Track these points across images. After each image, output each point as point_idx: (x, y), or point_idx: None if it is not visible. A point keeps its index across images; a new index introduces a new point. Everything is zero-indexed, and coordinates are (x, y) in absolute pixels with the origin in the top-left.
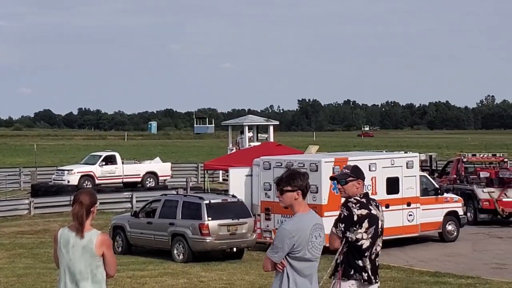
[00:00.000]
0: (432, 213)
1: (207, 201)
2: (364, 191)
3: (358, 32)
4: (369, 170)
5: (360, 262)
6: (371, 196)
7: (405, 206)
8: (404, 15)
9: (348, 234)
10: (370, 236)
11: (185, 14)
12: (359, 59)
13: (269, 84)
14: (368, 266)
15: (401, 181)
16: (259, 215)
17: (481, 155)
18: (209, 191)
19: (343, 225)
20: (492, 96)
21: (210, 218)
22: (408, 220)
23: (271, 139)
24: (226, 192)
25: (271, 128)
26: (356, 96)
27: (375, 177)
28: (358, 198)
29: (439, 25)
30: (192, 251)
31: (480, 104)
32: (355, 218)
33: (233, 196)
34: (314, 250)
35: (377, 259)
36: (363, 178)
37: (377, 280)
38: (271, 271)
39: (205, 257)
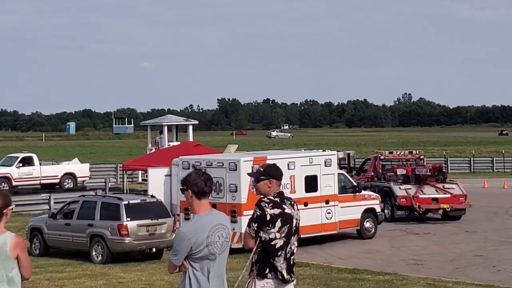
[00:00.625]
0: (350, 211)
1: (126, 202)
2: (279, 190)
3: (277, 31)
4: (288, 168)
5: (274, 261)
6: (287, 195)
7: (323, 204)
8: (321, 14)
9: (261, 233)
10: (283, 235)
11: (103, 14)
12: (278, 58)
13: (188, 84)
14: (283, 265)
15: (320, 179)
16: (178, 215)
17: (398, 153)
18: (128, 192)
19: (256, 224)
20: (409, 94)
21: (129, 219)
22: (327, 218)
23: (190, 139)
24: (145, 192)
25: (191, 127)
26: (275, 95)
27: (293, 176)
28: (272, 198)
29: (357, 23)
30: (111, 252)
31: (397, 102)
32: (268, 217)
33: (152, 196)
34: (217, 250)
35: (292, 257)
36: (276, 177)
37: (292, 278)
38: (176, 273)
39: (124, 258)
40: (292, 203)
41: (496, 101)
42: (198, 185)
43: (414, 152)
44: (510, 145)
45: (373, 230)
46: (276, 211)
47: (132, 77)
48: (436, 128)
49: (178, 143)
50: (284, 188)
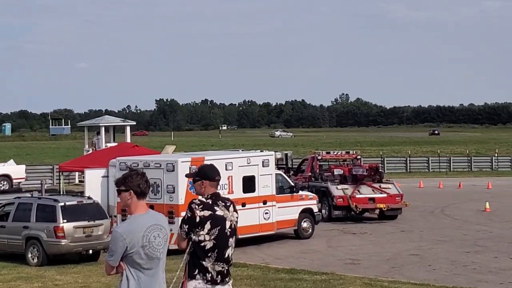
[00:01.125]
0: (287, 211)
1: (62, 203)
2: (214, 191)
3: (215, 31)
4: (226, 169)
5: (203, 263)
6: (225, 195)
7: (261, 205)
8: (259, 14)
9: (191, 235)
10: (213, 237)
11: (38, 14)
12: (216, 58)
13: (126, 84)
14: (213, 267)
15: (257, 179)
16: (115, 216)
17: (335, 153)
18: (65, 193)
19: (187, 226)
20: (347, 94)
21: (65, 221)
22: (264, 218)
23: (128, 140)
24: (82, 194)
25: (128, 128)
26: (213, 95)
27: (231, 176)
28: (203, 199)
29: (294, 23)
30: (47, 255)
31: (334, 103)
32: (197, 219)
33: (89, 197)
34: (153, 250)
35: (230, 259)
36: (208, 178)
37: (226, 280)
38: (114, 274)
39: (60, 260)
40: (228, 204)
41: (432, 101)
42: (140, 185)
43: (351, 152)
44: (445, 145)
45: (310, 230)
46: (206, 213)
47: (68, 77)
48: (373, 128)
49: (116, 144)
50: (222, 189)
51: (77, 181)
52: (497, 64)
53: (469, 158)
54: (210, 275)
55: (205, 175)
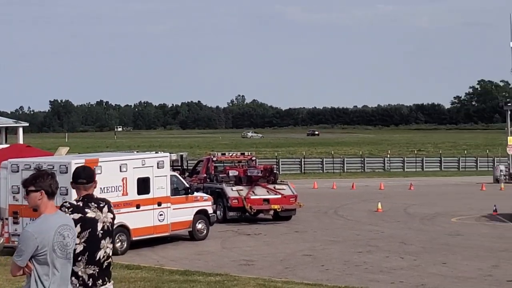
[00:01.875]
0: (182, 212)
1: None
2: (86, 193)
3: (111, 31)
4: (120, 170)
5: (74, 268)
6: (100, 196)
7: (156, 206)
8: (155, 15)
9: None
10: (83, 240)
11: None
12: (111, 59)
13: (19, 85)
14: (84, 270)
15: (152, 181)
16: (7, 219)
17: (230, 154)
18: None
19: None
20: (243, 96)
21: None
22: (159, 220)
23: (21, 141)
24: None
25: (21, 129)
26: (108, 96)
27: (126, 178)
28: (73, 202)
29: (191, 25)
30: None
31: (231, 104)
32: None
33: None
34: (62, 251)
35: (107, 261)
36: (75, 182)
37: (105, 283)
38: (21, 275)
39: None
40: (102, 205)
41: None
42: (51, 185)
43: (246, 153)
44: (339, 146)
45: (205, 232)
46: (76, 216)
47: None
48: (269, 130)
49: (8, 145)
50: (116, 191)
51: None
52: (390, 67)
53: (362, 159)
54: (81, 279)
55: (76, 177)
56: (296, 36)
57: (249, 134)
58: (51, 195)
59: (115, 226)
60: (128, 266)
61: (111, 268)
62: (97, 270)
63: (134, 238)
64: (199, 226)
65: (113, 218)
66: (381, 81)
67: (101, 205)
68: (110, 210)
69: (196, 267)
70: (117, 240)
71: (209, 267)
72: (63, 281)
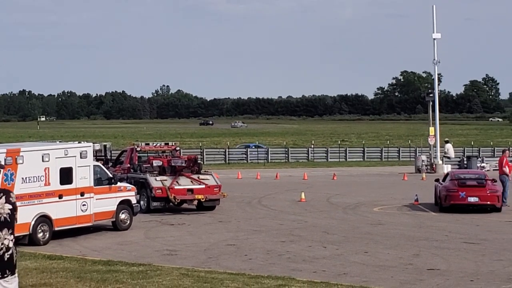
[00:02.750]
0: (105, 202)
1: None
2: None
3: (32, 21)
4: (42, 160)
5: None
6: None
7: (78, 196)
8: (78, 4)
9: None
10: None
11: None
12: (33, 48)
13: None
14: None
15: (75, 171)
16: None
17: (154, 144)
18: None
19: None
20: (167, 86)
21: None
22: (82, 210)
23: None
24: None
25: None
26: (31, 86)
27: (48, 168)
28: None
29: (113, 14)
30: None
31: (155, 94)
32: None
33: None
34: None
35: (8, 253)
36: None
37: (5, 275)
38: None
39: None
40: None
41: (251, 93)
42: None
43: (170, 143)
44: (264, 137)
45: (128, 222)
46: None
47: None
48: (193, 120)
49: None
50: (39, 181)
51: None
52: (314, 57)
53: (286, 149)
54: None
55: None
56: (221, 26)
57: (239, 124)
58: None
59: (37, 216)
60: (50, 257)
61: (14, 260)
62: None
63: (56, 228)
64: (123, 216)
65: (13, 209)
66: (305, 72)
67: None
68: (8, 201)
69: (119, 257)
70: (39, 230)
71: (132, 257)
72: None
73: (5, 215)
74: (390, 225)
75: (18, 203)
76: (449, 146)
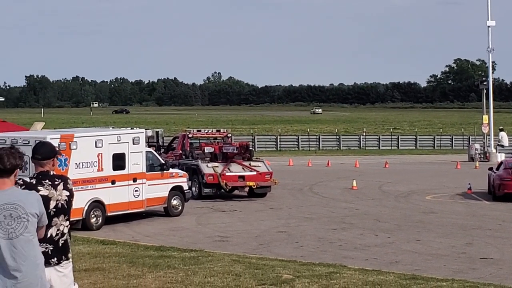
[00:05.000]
0: (157, 188)
1: None
2: (41, 170)
3: (85, 8)
4: (96, 146)
5: None
6: (57, 174)
7: (131, 182)
8: None
9: None
10: None
11: None
12: (87, 34)
13: None
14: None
15: (128, 157)
16: None
17: (206, 131)
18: None
19: None
20: (219, 73)
21: None
22: (134, 196)
23: None
24: None
25: None
26: (85, 72)
27: (101, 153)
28: (27, 179)
29: (166, 0)
30: None
31: (207, 81)
32: None
33: None
34: (2, 232)
35: (62, 238)
36: (32, 157)
37: (53, 261)
38: None
39: None
40: (57, 183)
41: (303, 81)
42: (3, 163)
43: (222, 130)
44: (315, 124)
45: (180, 208)
46: None
47: None
48: (245, 107)
49: None
50: (92, 166)
51: None
52: (367, 45)
53: (338, 137)
54: None
55: (32, 153)
56: (273, 13)
57: (318, 110)
58: (1, 172)
59: (90, 202)
60: (103, 242)
61: (69, 245)
62: (51, 248)
63: (109, 214)
64: (174, 202)
65: (70, 196)
66: (358, 59)
67: (56, 182)
68: (66, 188)
69: (171, 243)
70: (92, 216)
71: (183, 243)
72: (7, 264)
73: (62, 202)
74: (443, 213)
75: None
76: (503, 134)
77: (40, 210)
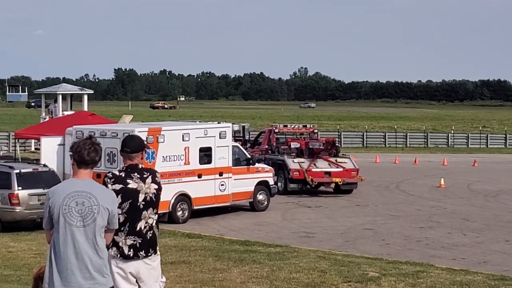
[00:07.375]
0: (243, 183)
1: (18, 171)
2: (131, 163)
3: (176, 2)
4: (183, 140)
5: (115, 237)
6: (148, 167)
7: (217, 176)
8: None
9: None
10: (124, 211)
11: None
12: (175, 28)
13: (84, 52)
14: (124, 241)
15: (214, 151)
16: None
17: (292, 126)
18: (20, 160)
19: None
20: (305, 68)
21: (20, 188)
22: (220, 190)
23: (85, 108)
24: (37, 161)
25: (85, 97)
26: (172, 66)
27: (188, 147)
28: (116, 173)
29: None
30: (1, 221)
31: (293, 76)
32: None
33: (45, 165)
34: (70, 217)
35: (150, 232)
36: (122, 150)
37: (141, 254)
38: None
39: (14, 227)
40: (145, 176)
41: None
42: (80, 153)
43: (308, 126)
44: (402, 121)
45: (266, 203)
46: (117, 186)
47: (25, 44)
48: (331, 103)
49: (73, 112)
50: (179, 160)
51: (33, 149)
52: (456, 41)
53: (425, 134)
54: (121, 249)
55: (121, 147)
56: (360, 8)
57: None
58: (80, 163)
59: (176, 195)
60: (189, 235)
61: (157, 239)
62: (139, 241)
63: (195, 207)
64: (260, 197)
65: (158, 189)
66: (446, 56)
67: (145, 175)
68: (154, 181)
69: (257, 238)
70: (179, 209)
71: (269, 238)
72: (68, 248)
73: (150, 195)
74: None
75: None
76: None
77: (112, 208)
